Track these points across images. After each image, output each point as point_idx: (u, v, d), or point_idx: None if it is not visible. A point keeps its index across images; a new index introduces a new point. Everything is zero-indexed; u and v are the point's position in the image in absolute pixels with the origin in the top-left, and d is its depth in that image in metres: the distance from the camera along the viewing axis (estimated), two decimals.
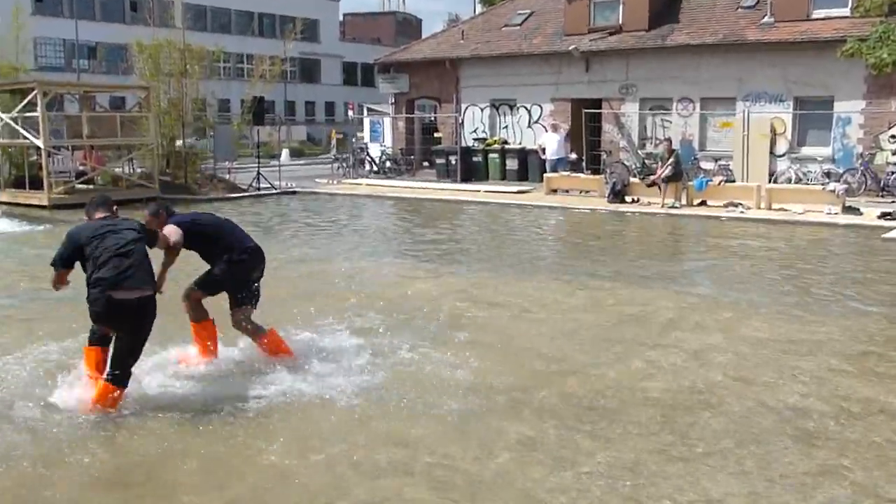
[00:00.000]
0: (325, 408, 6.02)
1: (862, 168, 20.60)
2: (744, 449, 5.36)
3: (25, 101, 19.39)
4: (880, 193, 19.85)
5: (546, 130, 24.16)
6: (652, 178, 19.45)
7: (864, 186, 20.28)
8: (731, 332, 8.21)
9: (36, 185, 19.75)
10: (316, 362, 6.84)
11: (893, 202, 18.23)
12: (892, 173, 20.16)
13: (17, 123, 19.41)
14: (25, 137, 19.25)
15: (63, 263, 5.98)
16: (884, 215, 16.46)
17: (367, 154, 29.90)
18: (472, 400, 6.19)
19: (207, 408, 5.98)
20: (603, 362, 7.20)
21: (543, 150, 23.12)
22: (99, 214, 6.16)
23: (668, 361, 7.21)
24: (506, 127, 27.11)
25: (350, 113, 37.13)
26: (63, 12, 47.78)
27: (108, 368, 5.97)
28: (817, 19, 21.72)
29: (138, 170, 22.71)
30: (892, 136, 20.73)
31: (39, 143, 18.88)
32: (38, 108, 18.78)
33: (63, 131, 20.33)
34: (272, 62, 26.72)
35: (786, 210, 17.86)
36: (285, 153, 37.28)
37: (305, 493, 4.84)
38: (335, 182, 26.28)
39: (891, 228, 15.19)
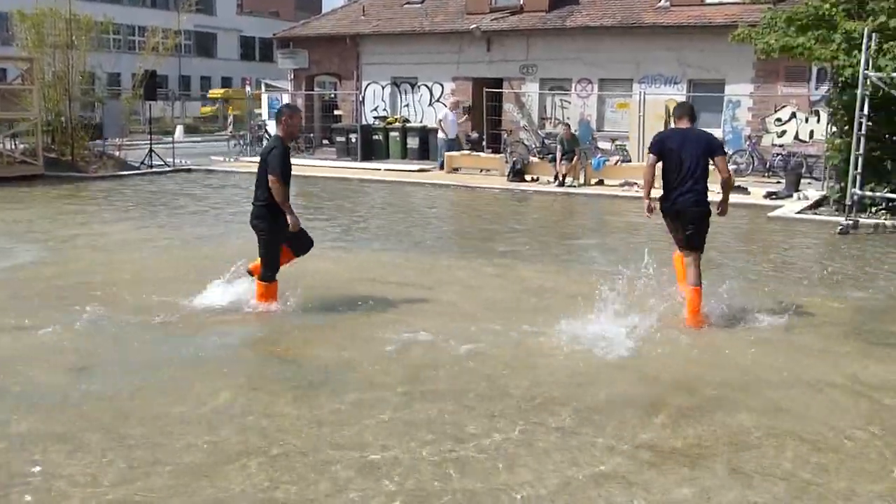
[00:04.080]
0: None
1: (750, 150, 21.37)
2: None
3: None
4: (766, 174, 20.66)
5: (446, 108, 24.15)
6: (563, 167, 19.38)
7: (751, 167, 21.08)
8: None
9: None
10: None
11: (779, 182, 18.95)
12: (777, 155, 21.00)
13: None
14: None
15: None
16: (769, 195, 17.10)
17: (266, 131, 29.33)
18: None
19: None
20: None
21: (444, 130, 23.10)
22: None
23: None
24: (407, 105, 27.00)
25: (248, 89, 36.32)
26: None
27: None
28: (711, 4, 22.36)
29: (21, 146, 21.67)
30: (778, 120, 21.56)
31: None
32: None
33: None
34: (165, 35, 25.86)
35: None
36: (179, 130, 36.16)
37: None
38: (232, 160, 25.66)
39: (776, 207, 15.81)
